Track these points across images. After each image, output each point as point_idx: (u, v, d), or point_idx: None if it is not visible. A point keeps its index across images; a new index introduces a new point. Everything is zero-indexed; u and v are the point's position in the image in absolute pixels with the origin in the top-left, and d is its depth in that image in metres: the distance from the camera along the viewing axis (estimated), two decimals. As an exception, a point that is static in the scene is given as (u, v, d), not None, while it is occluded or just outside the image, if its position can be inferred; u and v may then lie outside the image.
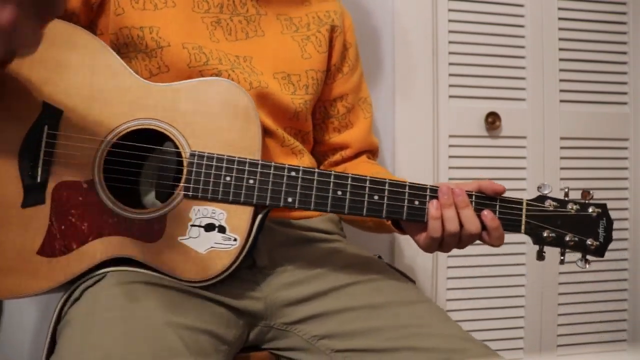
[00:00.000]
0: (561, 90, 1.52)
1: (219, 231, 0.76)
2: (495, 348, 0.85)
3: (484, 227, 0.78)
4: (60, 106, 0.76)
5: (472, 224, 0.77)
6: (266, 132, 0.86)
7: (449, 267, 1.46)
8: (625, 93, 1.58)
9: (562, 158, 1.53)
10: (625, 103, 1.58)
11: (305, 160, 0.93)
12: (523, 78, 1.50)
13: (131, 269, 0.76)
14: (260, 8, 0.91)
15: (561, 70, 1.52)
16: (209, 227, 0.76)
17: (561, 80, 1.52)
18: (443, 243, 0.79)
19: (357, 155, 1.04)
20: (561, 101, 1.53)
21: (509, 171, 1.50)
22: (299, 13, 0.95)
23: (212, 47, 0.85)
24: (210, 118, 0.78)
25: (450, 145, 1.45)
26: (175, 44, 0.82)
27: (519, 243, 1.49)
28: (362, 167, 1.01)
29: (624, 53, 1.57)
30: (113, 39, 0.83)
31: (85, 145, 0.76)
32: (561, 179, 1.52)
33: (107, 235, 0.75)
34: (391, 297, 0.85)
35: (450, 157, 1.45)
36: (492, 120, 1.46)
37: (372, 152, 1.07)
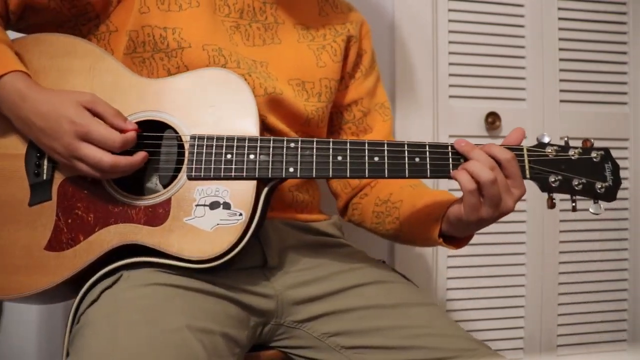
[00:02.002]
0: (561, 90, 1.52)
1: (224, 208, 0.77)
2: (495, 348, 0.85)
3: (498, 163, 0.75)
4: None
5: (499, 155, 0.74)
6: (280, 134, 0.88)
7: (449, 267, 1.46)
8: (625, 93, 1.58)
9: (562, 158, 1.52)
10: (625, 103, 1.58)
11: None
12: (523, 78, 1.49)
13: (143, 260, 0.76)
14: (278, 17, 0.93)
15: (561, 70, 1.52)
16: (214, 205, 0.77)
17: (561, 80, 1.52)
18: (484, 194, 0.74)
19: None
20: (561, 101, 1.53)
21: (509, 171, 1.49)
22: (315, 24, 0.97)
23: (231, 49, 0.86)
24: (204, 100, 0.80)
25: (450, 145, 1.45)
26: (196, 45, 0.84)
27: (520, 243, 1.49)
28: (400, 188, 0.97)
29: (624, 53, 1.56)
30: (133, 36, 0.84)
31: None
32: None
33: (113, 224, 0.77)
34: (399, 299, 0.87)
35: (450, 157, 1.45)
36: (492, 120, 1.46)
37: None
